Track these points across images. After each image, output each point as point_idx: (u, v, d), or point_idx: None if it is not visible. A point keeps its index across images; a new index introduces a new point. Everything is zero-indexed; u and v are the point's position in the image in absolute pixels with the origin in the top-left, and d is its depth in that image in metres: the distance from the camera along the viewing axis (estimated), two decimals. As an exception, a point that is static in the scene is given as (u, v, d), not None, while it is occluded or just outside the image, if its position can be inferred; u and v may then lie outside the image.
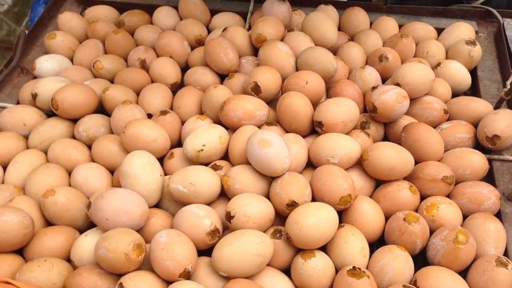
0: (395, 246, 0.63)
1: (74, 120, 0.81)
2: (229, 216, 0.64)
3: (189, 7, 0.98)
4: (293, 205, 0.65)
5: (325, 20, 0.89)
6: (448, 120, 0.81)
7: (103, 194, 0.63)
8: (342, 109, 0.74)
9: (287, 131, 0.77)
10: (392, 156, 0.69)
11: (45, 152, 0.77)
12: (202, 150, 0.71)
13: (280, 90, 0.81)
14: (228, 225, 0.65)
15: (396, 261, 0.62)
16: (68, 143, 0.76)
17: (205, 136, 0.72)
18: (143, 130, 0.73)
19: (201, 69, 0.87)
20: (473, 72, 0.91)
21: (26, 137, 0.80)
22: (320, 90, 0.79)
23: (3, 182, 0.74)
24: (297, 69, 0.84)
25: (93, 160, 0.77)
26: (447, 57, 0.92)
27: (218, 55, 0.85)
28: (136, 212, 0.63)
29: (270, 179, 0.69)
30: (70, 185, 0.73)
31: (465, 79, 0.88)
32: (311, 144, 0.73)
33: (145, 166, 0.67)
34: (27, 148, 0.79)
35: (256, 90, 0.78)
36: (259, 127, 0.77)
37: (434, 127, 0.79)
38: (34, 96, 0.81)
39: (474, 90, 0.90)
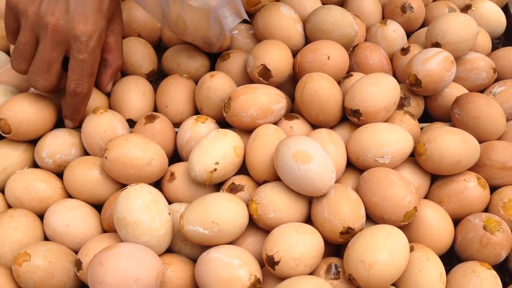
0: (479, 264, 0.51)
1: (32, 141, 0.62)
2: (272, 262, 0.48)
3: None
4: (348, 232, 0.50)
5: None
6: (496, 80, 0.67)
7: (101, 258, 0.46)
8: (384, 91, 0.58)
9: (311, 123, 0.62)
10: (457, 147, 0.54)
11: (1, 191, 0.59)
12: (215, 170, 0.54)
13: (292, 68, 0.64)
14: (270, 271, 0.50)
15: (485, 286, 0.49)
16: (32, 176, 0.58)
17: (217, 151, 0.55)
18: (132, 151, 0.55)
19: (184, 49, 0.68)
20: (504, 10, 0.76)
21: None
22: (344, 65, 0.63)
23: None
24: (306, 37, 0.67)
25: (69, 195, 0.59)
26: (474, -4, 0.77)
27: (204, 29, 0.66)
28: (150, 277, 0.47)
29: (310, 198, 0.54)
30: (45, 234, 0.56)
31: (502, 22, 0.73)
32: (349, 141, 0.58)
33: (148, 207, 0.50)
34: (-25, 188, 0.60)
35: (265, 75, 0.61)
36: (276, 123, 0.60)
37: (482, 91, 0.65)
38: (-29, 114, 0.61)
39: (509, 34, 0.76)
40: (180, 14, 0.57)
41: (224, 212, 0.51)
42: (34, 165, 0.61)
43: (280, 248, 0.48)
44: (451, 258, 0.57)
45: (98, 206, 0.58)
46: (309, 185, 0.50)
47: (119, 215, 0.50)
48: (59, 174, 0.60)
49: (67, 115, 0.60)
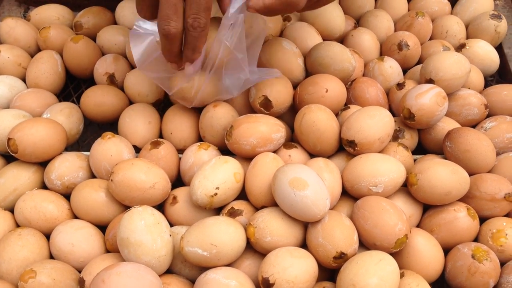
0: (468, 292, 0.53)
1: (42, 163, 0.65)
2: (267, 284, 0.50)
3: None
4: (341, 257, 0.53)
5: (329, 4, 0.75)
6: (488, 116, 0.69)
7: (104, 276, 0.48)
8: (378, 123, 0.60)
9: (309, 153, 0.64)
10: (447, 178, 0.57)
11: (11, 211, 0.61)
12: (216, 194, 0.57)
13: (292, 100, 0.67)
14: (265, 293, 0.52)
15: (473, 313, 0.51)
16: (41, 197, 0.60)
17: (217, 176, 0.58)
18: (137, 175, 0.58)
19: (190, 80, 0.72)
20: (498, 49, 0.79)
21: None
22: (342, 97, 0.66)
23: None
24: (307, 71, 0.70)
25: (74, 216, 0.61)
26: (468, 35, 0.80)
27: (210, 61, 0.70)
28: (149, 295, 0.49)
29: (306, 223, 0.56)
30: (50, 253, 0.58)
31: (495, 60, 0.76)
32: (344, 170, 0.60)
33: (150, 228, 0.52)
34: (-14, 207, 0.63)
35: (266, 106, 0.64)
36: (276, 151, 0.63)
37: (474, 126, 0.68)
38: (-14, 135, 0.64)
39: (504, 73, 0.79)
40: (199, 89, 0.61)
41: (222, 235, 0.53)
42: (43, 186, 0.64)
43: (275, 270, 0.50)
44: (443, 286, 0.58)
45: (102, 227, 0.60)
46: (304, 211, 0.53)
47: (122, 235, 0.53)
48: (67, 196, 0.63)
49: (188, 55, 0.57)
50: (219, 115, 0.64)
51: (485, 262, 0.54)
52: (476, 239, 0.59)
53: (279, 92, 0.64)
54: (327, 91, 0.64)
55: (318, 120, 0.61)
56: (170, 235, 0.55)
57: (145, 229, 0.52)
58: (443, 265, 0.57)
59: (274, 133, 0.62)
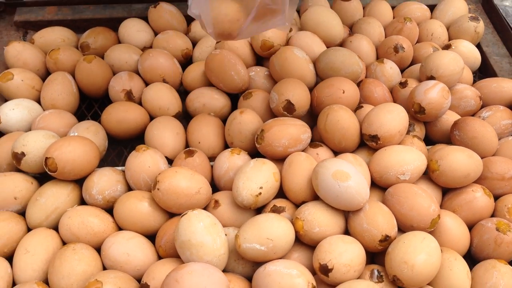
0: (497, 262, 0.59)
1: (76, 180, 0.66)
2: (325, 270, 0.54)
3: (164, 17, 0.84)
4: (386, 239, 0.57)
5: (327, 14, 0.81)
6: (482, 106, 0.77)
7: (176, 276, 0.51)
8: (396, 118, 0.66)
9: (333, 150, 0.69)
10: (465, 162, 0.63)
11: (55, 229, 0.62)
12: (260, 194, 0.60)
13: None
14: (323, 279, 0.56)
15: (505, 278, 0.57)
16: (86, 213, 0.61)
17: (259, 177, 0.61)
18: (183, 182, 0.61)
19: (208, 91, 0.75)
20: (477, 48, 0.87)
21: (20, 214, 0.64)
22: (356, 98, 0.71)
23: (13, 281, 0.59)
24: (317, 76, 0.75)
25: (118, 227, 0.63)
26: (449, 37, 0.88)
27: (227, 73, 0.73)
28: (221, 291, 0.52)
29: (345, 212, 0.61)
30: (103, 266, 0.60)
31: (478, 58, 0.84)
32: (370, 162, 0.65)
33: (209, 229, 0.55)
34: (27, 228, 0.63)
35: (289, 109, 0.69)
36: (303, 150, 0.67)
37: (472, 116, 0.75)
38: (20, 156, 0.64)
39: (484, 68, 0.87)
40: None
41: (276, 229, 0.56)
42: (82, 203, 0.65)
43: (332, 256, 0.55)
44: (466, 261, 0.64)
45: (147, 236, 0.62)
46: (349, 200, 0.57)
47: (182, 238, 0.55)
48: (106, 210, 0.64)
49: None
50: (246, 121, 0.68)
51: (509, 233, 0.60)
52: (492, 215, 0.65)
53: (300, 96, 0.69)
54: (344, 92, 0.69)
55: (342, 119, 0.66)
56: (226, 235, 0.58)
57: (204, 231, 0.55)
58: (470, 240, 0.62)
59: (303, 134, 0.66)
